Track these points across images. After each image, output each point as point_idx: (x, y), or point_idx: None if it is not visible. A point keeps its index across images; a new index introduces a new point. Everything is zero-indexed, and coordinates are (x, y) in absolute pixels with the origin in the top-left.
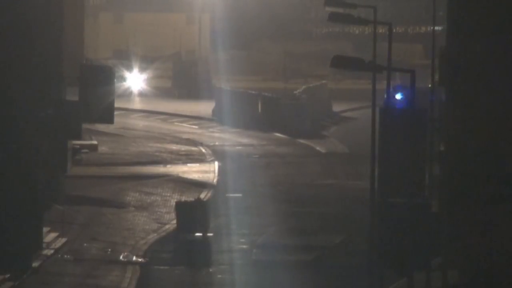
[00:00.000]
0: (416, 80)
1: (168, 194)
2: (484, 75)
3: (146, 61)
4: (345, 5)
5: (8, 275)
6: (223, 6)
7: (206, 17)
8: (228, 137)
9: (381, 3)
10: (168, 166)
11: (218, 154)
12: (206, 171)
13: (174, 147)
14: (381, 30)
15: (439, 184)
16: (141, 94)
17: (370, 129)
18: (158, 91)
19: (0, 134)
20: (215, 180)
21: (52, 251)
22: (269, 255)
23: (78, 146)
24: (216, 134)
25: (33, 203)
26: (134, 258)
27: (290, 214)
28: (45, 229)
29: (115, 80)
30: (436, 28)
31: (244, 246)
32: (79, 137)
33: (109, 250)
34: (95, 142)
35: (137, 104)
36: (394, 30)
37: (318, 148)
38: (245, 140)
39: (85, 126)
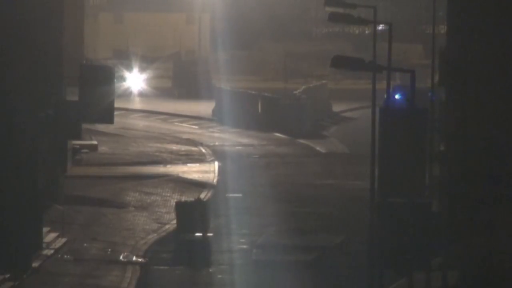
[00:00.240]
0: (416, 80)
1: (168, 194)
2: (484, 75)
3: (146, 61)
4: (345, 5)
5: (8, 275)
6: (223, 6)
7: (206, 17)
8: (228, 137)
9: (381, 3)
10: (168, 166)
11: (218, 154)
12: (206, 171)
13: (174, 147)
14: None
15: (439, 184)
16: (141, 94)
17: (370, 129)
18: (158, 91)
19: (0, 134)
20: (215, 180)
21: (52, 251)
22: (269, 255)
23: (78, 146)
24: (216, 134)
25: (33, 203)
26: (134, 258)
27: (290, 214)
28: (45, 229)
29: (115, 80)
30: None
31: (244, 246)
32: (79, 137)
33: (109, 250)
34: (95, 142)
35: (137, 104)
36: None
37: (318, 148)
38: (245, 140)
39: (85, 126)
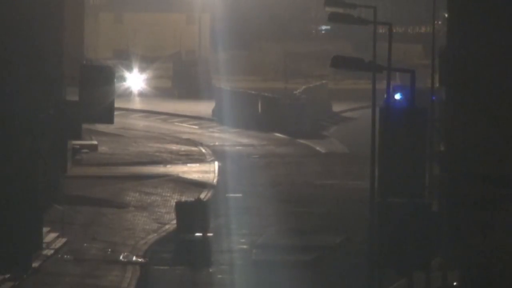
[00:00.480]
0: (416, 80)
1: (168, 194)
2: (484, 75)
3: (146, 61)
4: (345, 5)
5: (8, 275)
6: (223, 6)
7: (206, 17)
8: (228, 137)
9: (381, 3)
10: (168, 166)
11: (218, 154)
12: (206, 171)
13: (174, 147)
14: (381, 30)
15: (439, 184)
16: (141, 94)
17: (370, 129)
18: (158, 91)
19: (0, 134)
20: (215, 180)
21: (52, 251)
22: (269, 255)
23: (78, 146)
24: (216, 134)
25: (33, 203)
26: (134, 258)
27: (290, 214)
28: (45, 229)
29: (115, 80)
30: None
31: (244, 246)
32: (79, 137)
33: (109, 250)
34: (95, 142)
35: (137, 104)
36: (394, 30)
37: (318, 148)
38: (245, 140)
39: (85, 126)
